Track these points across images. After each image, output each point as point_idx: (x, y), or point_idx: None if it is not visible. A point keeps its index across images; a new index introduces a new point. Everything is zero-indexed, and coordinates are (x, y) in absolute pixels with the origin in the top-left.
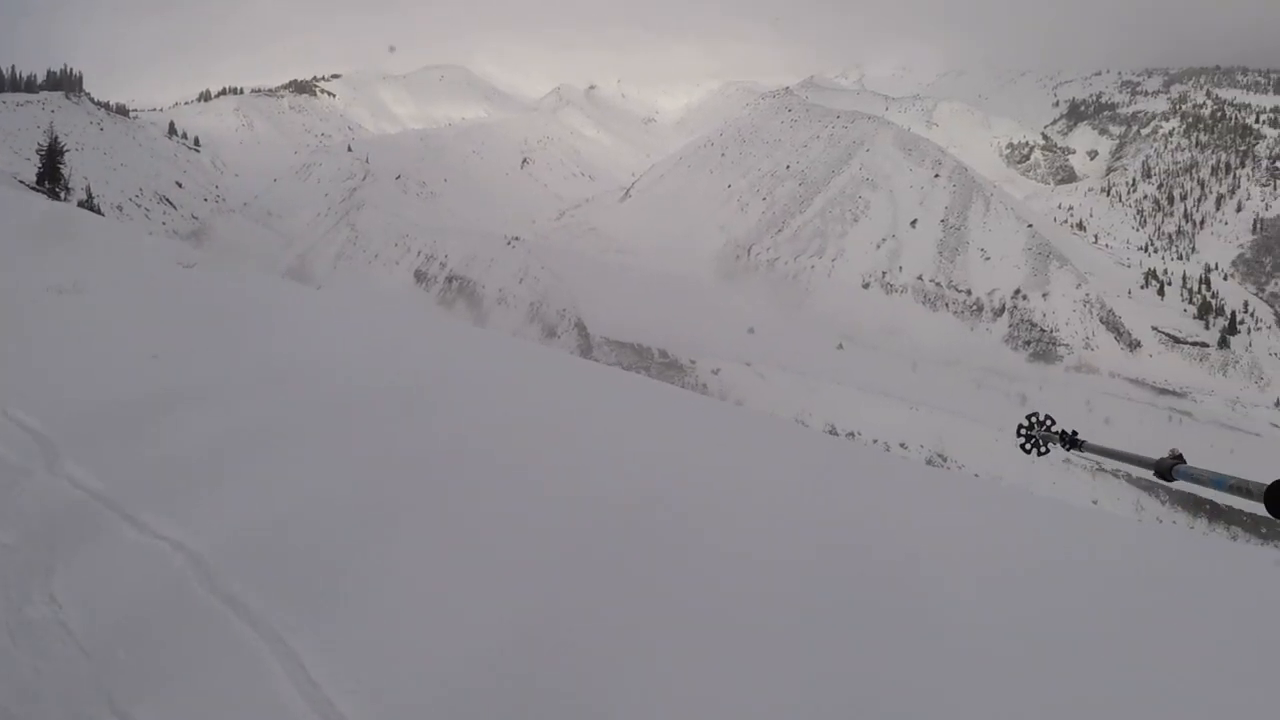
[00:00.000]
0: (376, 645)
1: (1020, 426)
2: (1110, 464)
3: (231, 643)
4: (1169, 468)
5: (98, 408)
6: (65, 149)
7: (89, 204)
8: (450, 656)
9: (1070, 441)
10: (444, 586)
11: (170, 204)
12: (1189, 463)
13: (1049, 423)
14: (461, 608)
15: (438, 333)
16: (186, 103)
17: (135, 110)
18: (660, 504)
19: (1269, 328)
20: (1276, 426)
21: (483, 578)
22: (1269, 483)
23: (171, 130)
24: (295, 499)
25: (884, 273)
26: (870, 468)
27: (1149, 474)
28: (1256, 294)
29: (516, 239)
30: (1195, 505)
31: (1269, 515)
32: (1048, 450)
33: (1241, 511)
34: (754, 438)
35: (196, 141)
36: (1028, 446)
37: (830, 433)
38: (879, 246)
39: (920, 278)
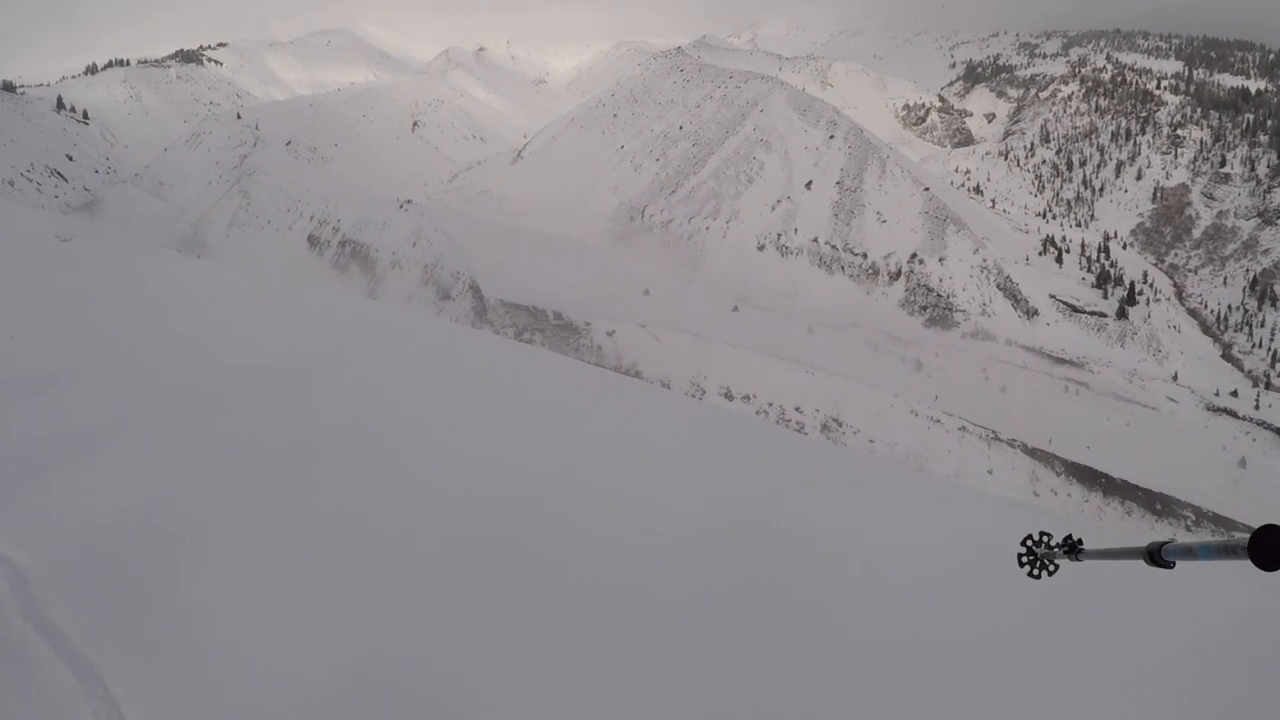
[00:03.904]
0: (206, 690)
1: (1020, 554)
2: (1006, 434)
3: (46, 686)
4: (1158, 549)
5: None
6: None
7: None
8: (292, 688)
9: (1072, 549)
10: (290, 591)
11: (61, 177)
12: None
13: (1046, 539)
14: (307, 614)
15: (318, 306)
16: (73, 76)
17: (22, 86)
18: (543, 490)
19: (1168, 299)
20: (1174, 401)
21: (335, 579)
22: (1249, 533)
23: (60, 105)
24: (139, 496)
25: (779, 235)
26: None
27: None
28: (1156, 264)
29: (409, 202)
30: (1090, 479)
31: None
32: (1055, 569)
33: (1137, 488)
34: (644, 414)
35: (85, 115)
36: (1035, 572)
37: (725, 396)
38: (774, 208)
39: (816, 240)
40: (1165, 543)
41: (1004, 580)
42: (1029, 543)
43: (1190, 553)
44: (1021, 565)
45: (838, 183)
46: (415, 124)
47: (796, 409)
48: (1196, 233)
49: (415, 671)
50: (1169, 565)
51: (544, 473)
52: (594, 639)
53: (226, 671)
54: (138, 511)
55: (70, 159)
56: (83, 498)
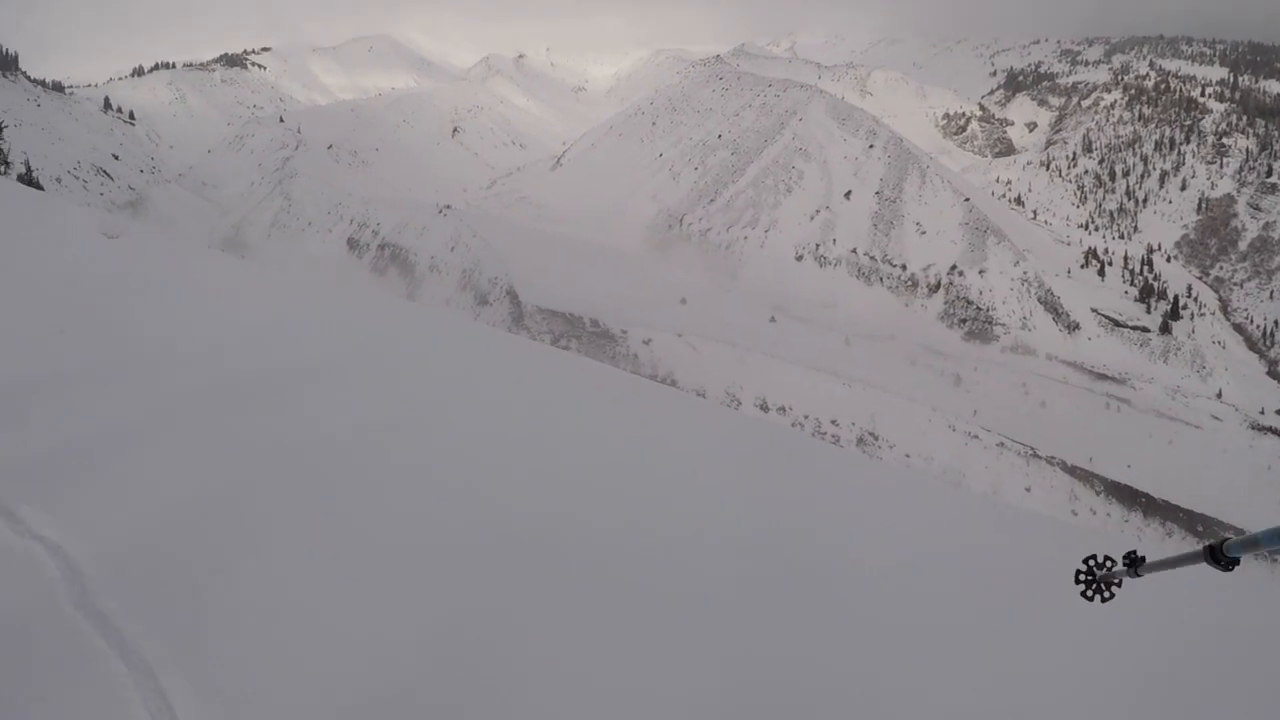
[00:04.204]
0: (255, 683)
1: (1078, 572)
2: (1045, 450)
3: (98, 676)
4: (1218, 546)
5: None
6: (4, 126)
7: (28, 178)
8: (334, 688)
9: (1133, 564)
10: (327, 599)
11: (108, 176)
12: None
13: (1109, 564)
14: (346, 624)
15: (357, 306)
16: (121, 78)
17: (71, 87)
18: (577, 497)
19: (1212, 314)
20: (1217, 419)
21: (373, 589)
22: None
23: (107, 105)
24: (182, 496)
25: (817, 245)
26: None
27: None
28: (1200, 277)
29: (448, 207)
30: (1130, 498)
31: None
32: (1113, 594)
33: (1178, 508)
34: (681, 426)
35: (131, 115)
36: (1089, 594)
37: (761, 407)
38: (813, 218)
39: (854, 251)
40: (1224, 540)
41: (1041, 598)
42: (1090, 563)
43: (1254, 544)
44: (1078, 583)
45: (877, 193)
46: (455, 130)
47: (833, 421)
48: (1242, 245)
49: (471, 682)
50: (1233, 563)
51: (579, 481)
52: (624, 646)
53: (272, 670)
54: (187, 506)
55: (116, 158)
56: (133, 491)
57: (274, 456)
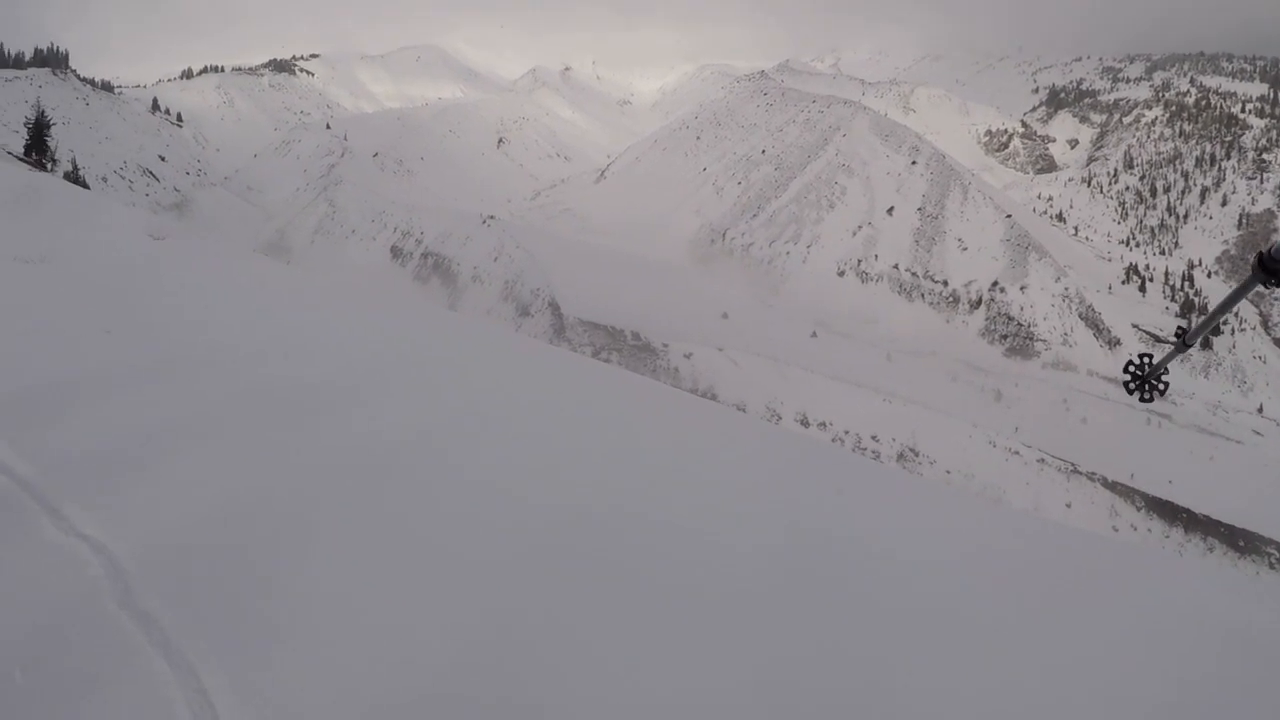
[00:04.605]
0: (295, 684)
1: (1126, 383)
2: (1086, 466)
3: (140, 673)
4: (1267, 252)
5: (35, 384)
6: (52, 123)
7: (75, 175)
8: (375, 689)
9: (1180, 340)
10: (378, 599)
11: (154, 177)
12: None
13: (1148, 360)
14: (389, 625)
15: (403, 314)
16: (169, 80)
17: (120, 87)
18: (621, 504)
19: (1253, 329)
20: (1259, 434)
21: (415, 590)
22: None
23: (155, 106)
24: (224, 498)
25: (859, 260)
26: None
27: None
28: None
29: (492, 218)
30: (1171, 514)
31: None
32: (1166, 387)
33: (1219, 523)
34: (721, 438)
35: (179, 117)
36: (1147, 395)
37: (802, 422)
38: (855, 234)
39: (896, 266)
40: (1273, 245)
41: (1070, 603)
42: (1131, 369)
43: None
44: (1130, 393)
45: (919, 209)
46: (500, 140)
47: (873, 437)
48: None
49: (515, 679)
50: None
51: (621, 486)
52: (659, 645)
53: (315, 671)
54: (230, 507)
55: (163, 159)
56: (177, 491)
57: (315, 460)
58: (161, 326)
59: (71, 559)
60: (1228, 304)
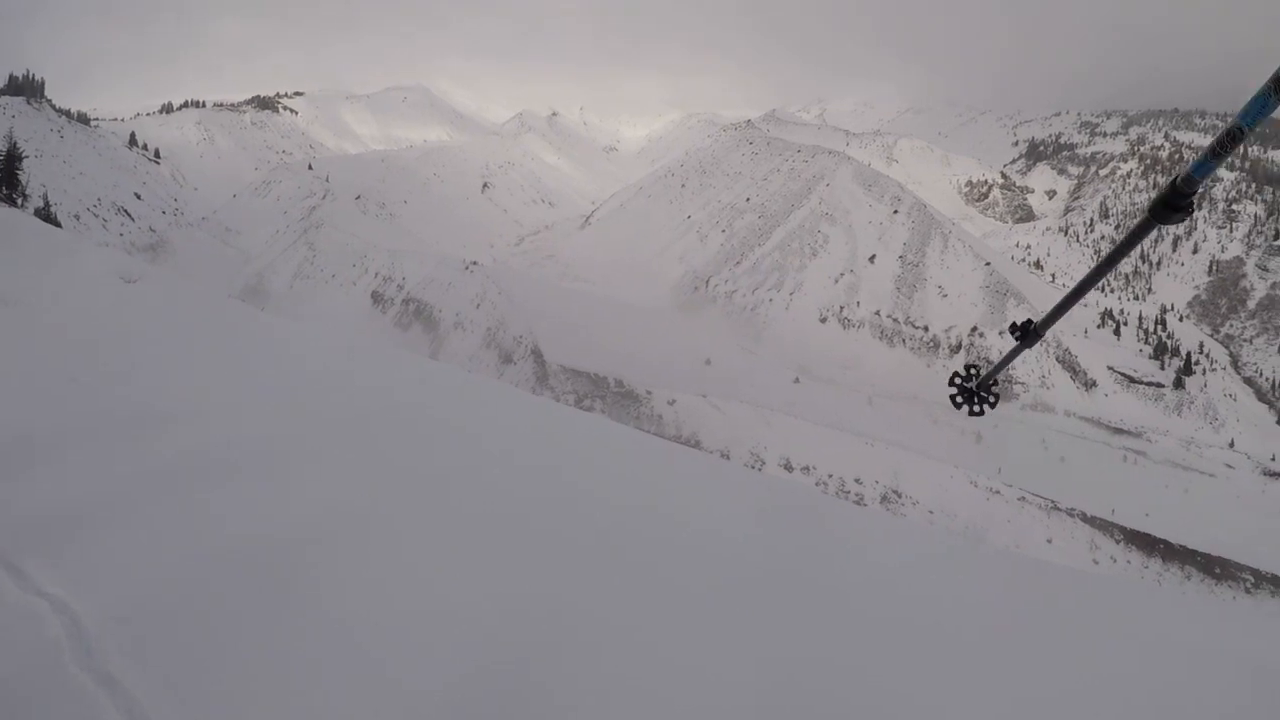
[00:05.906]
0: None
1: (952, 395)
2: (1065, 503)
3: None
4: (1167, 193)
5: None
6: (24, 155)
7: (45, 212)
8: None
9: (1024, 333)
10: (349, 663)
11: (128, 215)
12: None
13: (975, 371)
14: (366, 692)
15: (379, 368)
16: (148, 114)
17: (97, 119)
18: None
19: (1223, 369)
20: (1230, 467)
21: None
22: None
23: (132, 141)
24: (191, 558)
25: (841, 307)
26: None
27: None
28: (1211, 335)
29: (475, 264)
30: (1149, 545)
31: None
32: (993, 402)
33: (1195, 552)
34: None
35: (157, 153)
36: (960, 400)
37: (785, 467)
38: (837, 281)
39: (878, 313)
40: (1174, 179)
41: (1060, 646)
42: (958, 381)
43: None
44: (958, 407)
45: (900, 256)
46: (485, 185)
47: (856, 480)
48: (1251, 303)
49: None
50: (1188, 203)
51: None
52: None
53: None
54: (195, 566)
55: (139, 197)
56: (141, 549)
57: (282, 520)
58: (126, 377)
59: (31, 618)
60: (1100, 269)
